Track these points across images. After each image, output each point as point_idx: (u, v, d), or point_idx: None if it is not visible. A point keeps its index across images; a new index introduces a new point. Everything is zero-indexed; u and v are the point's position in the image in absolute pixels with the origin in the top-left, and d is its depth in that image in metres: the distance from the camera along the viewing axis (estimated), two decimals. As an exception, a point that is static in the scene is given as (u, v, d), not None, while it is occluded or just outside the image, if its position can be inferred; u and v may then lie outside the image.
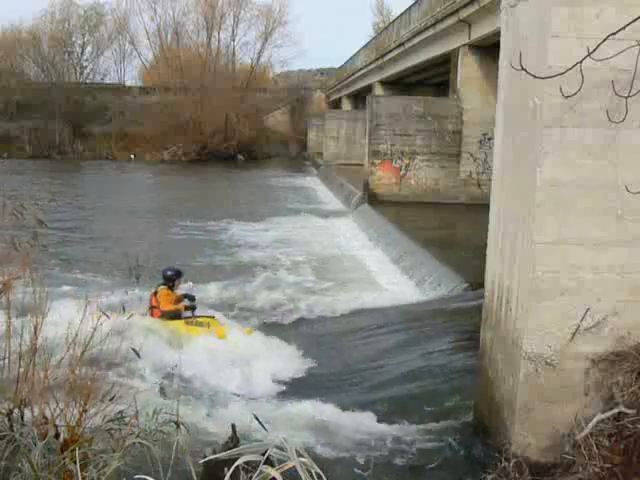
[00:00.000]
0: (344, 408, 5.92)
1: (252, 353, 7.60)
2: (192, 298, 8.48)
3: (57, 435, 3.45)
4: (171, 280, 8.37)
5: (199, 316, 8.23)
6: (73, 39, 52.79)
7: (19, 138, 45.54)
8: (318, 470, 2.43)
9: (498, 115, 5.11)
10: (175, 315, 8.17)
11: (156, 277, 10.65)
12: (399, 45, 25.60)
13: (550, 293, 4.30)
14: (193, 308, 8.31)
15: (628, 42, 3.80)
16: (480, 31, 17.18)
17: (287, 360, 7.53)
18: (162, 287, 8.30)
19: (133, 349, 4.17)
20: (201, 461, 3.09)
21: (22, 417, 3.61)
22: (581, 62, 3.71)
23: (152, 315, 8.13)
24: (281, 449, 2.45)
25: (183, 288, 8.86)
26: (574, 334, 4.32)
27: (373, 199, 19.62)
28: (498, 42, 5.18)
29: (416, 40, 22.91)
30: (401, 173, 19.70)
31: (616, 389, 4.30)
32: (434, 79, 29.54)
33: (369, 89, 34.43)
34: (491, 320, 5.13)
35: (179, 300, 8.39)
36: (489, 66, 17.81)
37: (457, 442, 5.19)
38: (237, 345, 7.64)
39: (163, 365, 6.67)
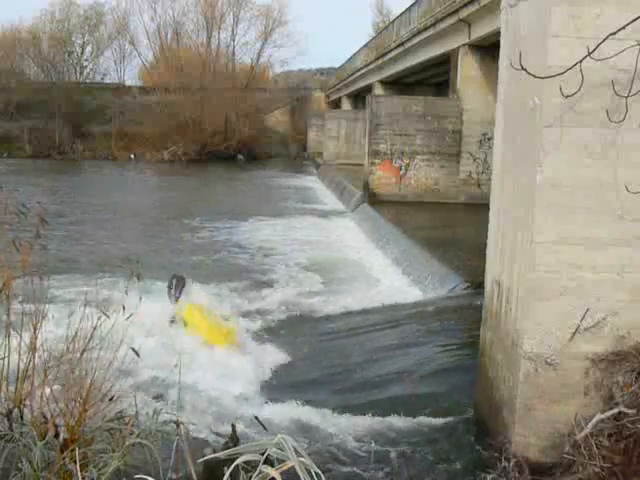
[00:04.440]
0: (343, 407, 5.92)
1: (250, 353, 7.61)
2: None
3: (57, 435, 3.45)
4: None
5: None
6: (73, 39, 52.80)
7: (19, 138, 45.52)
8: (317, 470, 2.43)
9: (498, 115, 5.11)
10: None
11: (156, 276, 10.64)
12: (399, 45, 25.61)
13: (550, 293, 4.30)
14: None
15: (628, 42, 3.81)
16: (480, 31, 17.18)
17: (286, 359, 7.52)
18: None
19: (132, 349, 4.16)
20: (199, 460, 3.09)
21: (22, 417, 3.61)
22: (581, 62, 3.71)
23: None
24: (281, 449, 2.44)
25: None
26: (574, 334, 4.32)
27: (373, 199, 19.62)
28: (498, 42, 5.18)
29: (416, 40, 22.91)
30: (401, 173, 19.71)
31: (616, 389, 4.30)
32: (434, 79, 29.55)
33: (369, 89, 34.44)
34: (491, 320, 5.13)
35: None
36: (489, 66, 17.82)
37: (457, 442, 5.19)
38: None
39: (163, 365, 6.66)
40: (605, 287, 4.29)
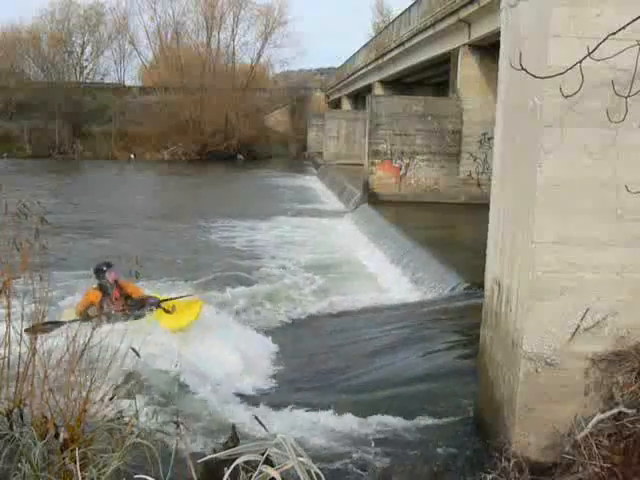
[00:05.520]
0: (343, 407, 5.92)
1: (251, 353, 7.61)
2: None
3: (57, 435, 3.45)
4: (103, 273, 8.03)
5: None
6: (73, 39, 52.84)
7: (19, 138, 45.56)
8: (317, 470, 2.43)
9: (498, 115, 5.11)
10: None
11: (156, 276, 10.65)
12: (399, 45, 25.62)
13: (550, 293, 4.30)
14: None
15: (628, 42, 3.80)
16: (480, 31, 17.19)
17: (286, 359, 7.53)
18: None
19: (133, 348, 4.16)
20: (200, 461, 3.09)
21: (22, 417, 3.61)
22: (581, 62, 3.71)
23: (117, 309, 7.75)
24: (281, 449, 2.45)
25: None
26: (574, 334, 4.32)
27: (373, 199, 19.62)
28: (498, 42, 5.18)
29: (416, 40, 22.92)
30: (401, 173, 19.71)
31: (616, 389, 4.30)
32: (434, 79, 29.56)
33: (369, 89, 34.45)
34: (491, 320, 5.13)
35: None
36: (489, 66, 17.83)
37: (457, 442, 5.18)
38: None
39: (163, 364, 6.66)
40: (605, 287, 4.29)
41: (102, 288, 7.90)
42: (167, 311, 7.85)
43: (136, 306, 7.86)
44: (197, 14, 55.69)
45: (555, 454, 4.38)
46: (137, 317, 7.68)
